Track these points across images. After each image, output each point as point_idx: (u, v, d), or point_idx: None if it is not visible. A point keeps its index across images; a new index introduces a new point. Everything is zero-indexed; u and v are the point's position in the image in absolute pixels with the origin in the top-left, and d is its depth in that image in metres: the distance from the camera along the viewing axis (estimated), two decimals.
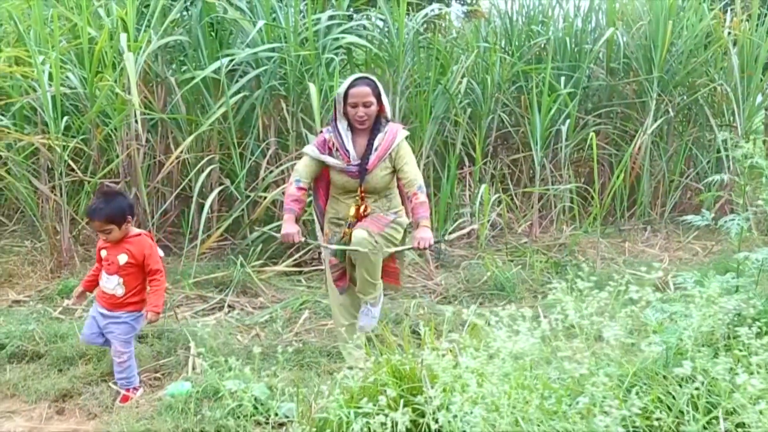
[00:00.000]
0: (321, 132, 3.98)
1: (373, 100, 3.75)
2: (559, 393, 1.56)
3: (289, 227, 3.81)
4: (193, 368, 3.89)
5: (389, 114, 3.89)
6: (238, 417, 3.08)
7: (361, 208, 3.84)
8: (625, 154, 7.12)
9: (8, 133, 5.58)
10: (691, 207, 8.08)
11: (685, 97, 8.04)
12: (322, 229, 4.12)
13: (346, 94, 3.76)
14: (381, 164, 3.79)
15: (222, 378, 3.34)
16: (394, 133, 3.82)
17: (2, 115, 5.97)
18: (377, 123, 3.83)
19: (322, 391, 2.81)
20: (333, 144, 3.84)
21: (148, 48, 5.68)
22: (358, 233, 3.73)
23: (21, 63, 5.93)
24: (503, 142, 8.31)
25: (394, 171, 3.86)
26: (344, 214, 3.93)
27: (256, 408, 2.96)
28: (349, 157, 3.79)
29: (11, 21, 6.16)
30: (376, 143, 3.79)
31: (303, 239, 3.91)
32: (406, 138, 3.91)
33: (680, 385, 1.60)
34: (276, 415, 3.03)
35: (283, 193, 5.94)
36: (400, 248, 3.90)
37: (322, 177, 4.04)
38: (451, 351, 2.01)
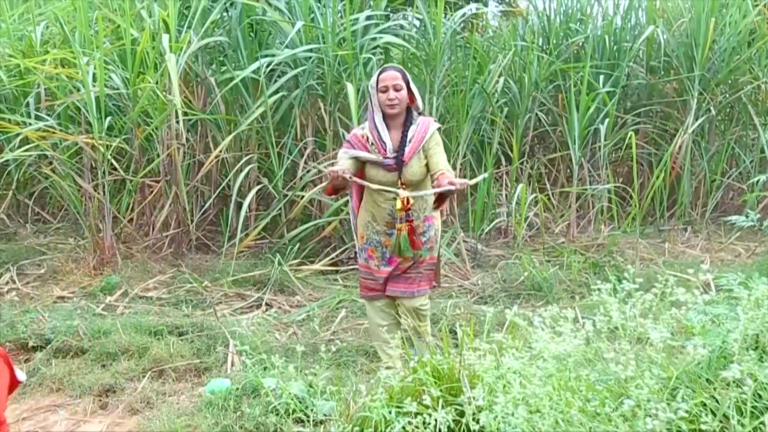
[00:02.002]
0: (350, 133, 3.98)
1: (403, 84, 3.75)
2: (602, 395, 1.55)
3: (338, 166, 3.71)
4: (233, 365, 3.94)
5: (420, 104, 3.88)
6: (278, 414, 3.11)
7: (405, 200, 3.78)
8: (665, 153, 7.02)
9: (53, 132, 5.70)
10: (733, 207, 7.95)
11: (727, 96, 7.90)
12: (355, 231, 4.08)
13: (377, 83, 3.77)
14: (415, 156, 3.78)
15: (262, 375, 3.39)
16: (426, 126, 3.82)
17: (48, 115, 6.11)
18: (409, 115, 3.83)
19: (360, 390, 2.82)
20: (367, 139, 3.84)
21: (188, 49, 5.76)
22: (411, 303, 3.89)
23: (66, 65, 6.06)
24: (540, 142, 8.25)
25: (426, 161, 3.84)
26: (382, 218, 3.86)
27: (295, 405, 2.99)
28: (386, 150, 3.78)
29: (57, 23, 6.31)
30: (409, 135, 3.78)
31: (349, 176, 3.71)
32: (438, 130, 3.91)
33: (725, 389, 1.58)
34: (315, 413, 3.06)
35: (320, 192, 5.99)
36: (436, 190, 3.75)
37: (359, 177, 4.01)
38: (491, 351, 2.00)
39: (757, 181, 6.20)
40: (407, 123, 3.82)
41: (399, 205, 3.76)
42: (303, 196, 6.00)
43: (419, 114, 3.87)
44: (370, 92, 3.83)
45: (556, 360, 1.64)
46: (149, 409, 3.50)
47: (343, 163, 3.80)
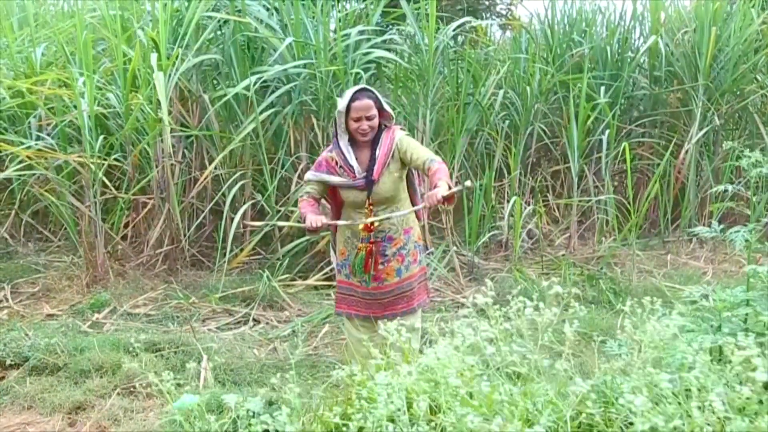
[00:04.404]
0: (320, 156, 3.96)
1: (376, 112, 3.71)
2: (480, 410, 1.51)
3: (312, 216, 3.70)
4: (204, 381, 3.93)
5: (392, 117, 3.83)
6: (236, 429, 3.09)
7: (368, 222, 3.78)
8: (669, 164, 6.93)
9: (48, 152, 5.78)
10: (742, 218, 7.79)
11: (733, 105, 7.77)
12: (335, 247, 4.06)
13: (348, 108, 3.72)
14: (386, 171, 3.74)
15: (226, 391, 3.39)
16: (392, 136, 3.76)
17: (49, 134, 6.19)
18: (378, 133, 3.79)
19: (304, 404, 2.79)
20: (336, 162, 3.82)
21: (181, 66, 5.82)
22: (411, 323, 3.62)
23: (65, 85, 6.16)
24: (545, 154, 8.18)
25: (401, 171, 3.79)
26: (358, 231, 3.87)
27: (250, 422, 2.96)
28: (354, 173, 3.76)
29: (59, 44, 6.42)
30: (377, 152, 3.75)
31: (330, 222, 3.79)
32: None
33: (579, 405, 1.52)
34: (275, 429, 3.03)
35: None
36: (408, 211, 3.76)
37: (333, 196, 4.02)
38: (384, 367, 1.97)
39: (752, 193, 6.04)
40: (376, 141, 3.79)
41: (361, 226, 3.76)
42: (296, 211, 6.00)
43: (386, 126, 3.81)
44: (337, 116, 3.79)
45: (429, 373, 1.60)
46: (116, 426, 3.50)
47: (311, 190, 3.86)
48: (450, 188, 3.47)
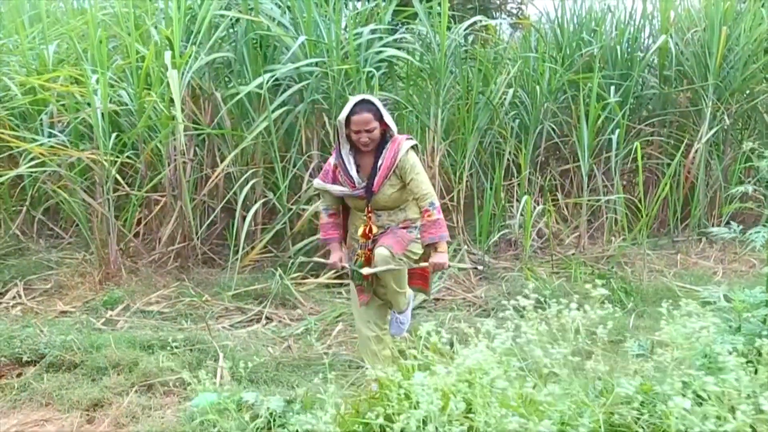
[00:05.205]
0: (327, 161, 4.01)
1: (376, 124, 3.73)
2: (519, 411, 1.52)
3: (335, 255, 3.99)
4: (221, 379, 3.95)
5: (395, 131, 3.86)
6: (259, 428, 3.11)
7: (368, 229, 3.85)
8: (679, 163, 6.93)
9: (60, 149, 5.79)
10: (751, 217, 7.79)
11: (743, 105, 7.76)
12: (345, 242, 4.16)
13: (348, 120, 3.74)
14: (386, 183, 3.77)
15: (245, 389, 3.40)
16: (396, 149, 3.77)
17: (61, 131, 6.21)
18: (382, 140, 3.81)
19: (338, 404, 2.81)
20: (338, 170, 3.86)
21: (194, 64, 5.83)
22: (381, 251, 3.73)
23: (77, 82, 6.17)
24: (555, 153, 8.19)
25: (402, 184, 3.82)
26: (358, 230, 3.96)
27: (272, 420, 2.99)
28: (353, 183, 3.80)
29: (72, 42, 6.43)
30: (379, 162, 3.77)
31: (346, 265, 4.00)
32: (414, 148, 3.86)
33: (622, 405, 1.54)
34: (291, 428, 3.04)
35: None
36: (416, 266, 3.90)
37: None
38: (419, 367, 1.98)
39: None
40: (379, 149, 3.81)
41: (360, 231, 3.83)
42: (308, 210, 6.02)
43: (391, 135, 3.84)
44: (338, 126, 3.80)
45: (470, 373, 1.61)
46: (134, 424, 3.51)
47: (329, 202, 4.01)
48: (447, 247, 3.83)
